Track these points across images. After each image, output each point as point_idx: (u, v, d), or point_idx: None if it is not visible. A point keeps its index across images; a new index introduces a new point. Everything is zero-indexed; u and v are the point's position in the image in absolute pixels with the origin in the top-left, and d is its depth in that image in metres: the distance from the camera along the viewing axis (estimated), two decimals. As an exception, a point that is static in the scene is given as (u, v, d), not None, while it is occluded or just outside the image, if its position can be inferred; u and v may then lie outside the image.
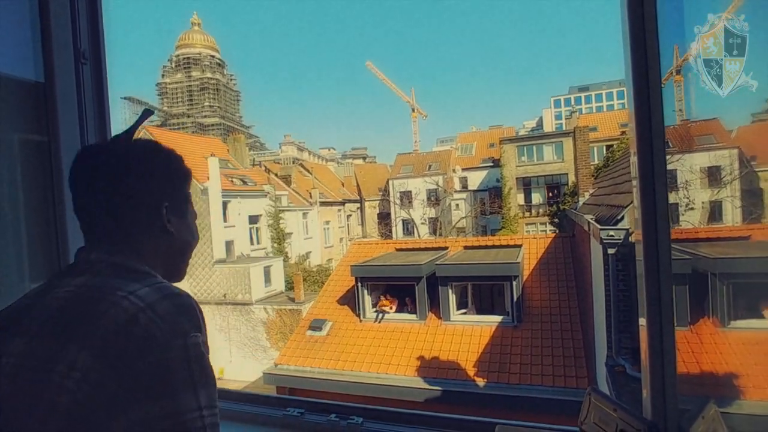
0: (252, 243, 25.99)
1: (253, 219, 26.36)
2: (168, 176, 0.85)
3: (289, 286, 23.02)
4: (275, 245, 27.51)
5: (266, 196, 27.31)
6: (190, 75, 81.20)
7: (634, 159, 1.03)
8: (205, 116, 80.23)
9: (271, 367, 10.39)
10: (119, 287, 0.70)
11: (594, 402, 1.11)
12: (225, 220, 23.40)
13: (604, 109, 69.66)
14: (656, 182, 1.00)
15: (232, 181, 25.34)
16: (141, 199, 0.80)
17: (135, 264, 0.77)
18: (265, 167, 36.08)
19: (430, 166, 38.10)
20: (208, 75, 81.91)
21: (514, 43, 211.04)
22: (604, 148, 24.22)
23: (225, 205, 23.59)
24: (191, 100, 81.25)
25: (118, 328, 0.65)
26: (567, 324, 9.25)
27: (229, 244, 23.39)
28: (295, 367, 9.90)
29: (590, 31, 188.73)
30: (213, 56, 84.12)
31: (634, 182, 1.04)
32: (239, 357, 20.68)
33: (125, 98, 59.36)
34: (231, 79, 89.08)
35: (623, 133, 24.47)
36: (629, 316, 6.00)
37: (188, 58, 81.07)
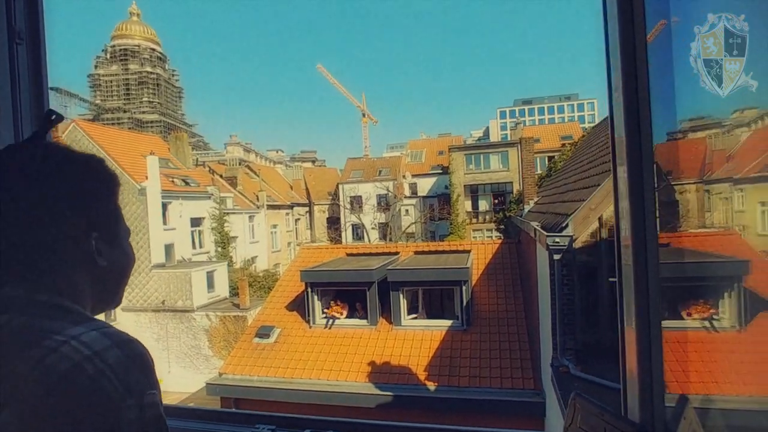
0: (194, 247, 24.76)
1: (196, 222, 25.13)
2: (93, 193, 0.70)
3: (234, 291, 22.12)
4: (219, 249, 26.38)
5: (210, 197, 26.15)
6: (128, 68, 76.53)
7: (622, 163, 1.02)
8: (144, 112, 75.91)
9: (214, 377, 9.88)
10: (55, 330, 0.56)
11: (579, 407, 1.10)
12: (165, 223, 22.12)
13: (546, 122, 73.89)
14: (645, 188, 1.00)
15: (173, 181, 24.02)
16: (63, 230, 0.65)
17: (65, 302, 0.63)
18: (210, 168, 34.59)
19: (380, 172, 38.33)
20: (148, 69, 77.63)
21: (463, 54, 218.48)
22: (546, 158, 25.59)
23: (165, 206, 22.31)
24: (128, 94, 76.53)
25: (58, 379, 0.52)
26: (513, 327, 9.57)
27: (168, 248, 22.12)
28: (241, 376, 9.47)
29: (536, 46, 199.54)
30: (153, 50, 79.85)
31: (622, 186, 1.04)
32: (179, 367, 19.55)
33: (52, 89, 54.69)
34: (173, 75, 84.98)
35: (563, 145, 25.99)
36: (573, 319, 6.29)
37: (125, 49, 76.36)
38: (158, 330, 19.92)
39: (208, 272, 21.20)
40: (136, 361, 0.59)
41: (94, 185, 0.70)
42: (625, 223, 1.02)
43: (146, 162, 21.45)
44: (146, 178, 21.19)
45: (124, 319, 19.99)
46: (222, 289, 21.99)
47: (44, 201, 0.64)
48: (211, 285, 21.23)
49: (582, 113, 78.86)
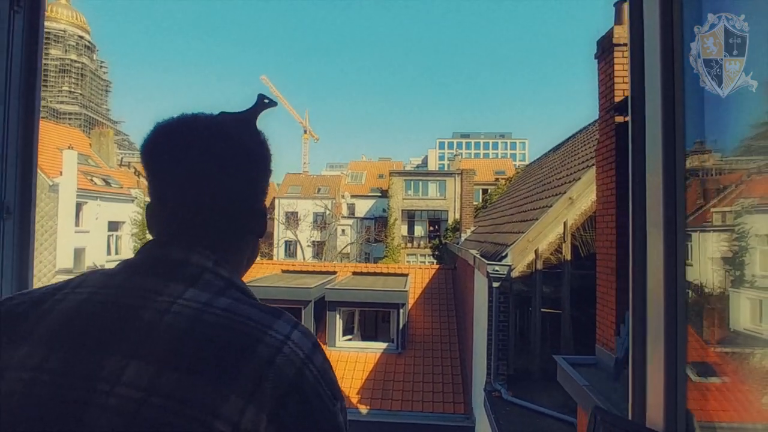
0: (109, 252, 22.65)
1: (114, 225, 23.08)
2: (268, 167, 0.70)
3: (152, 304, 20.42)
4: (138, 257, 24.35)
5: (133, 201, 24.22)
6: (48, 53, 70.03)
7: (657, 169, 0.99)
8: (62, 102, 69.51)
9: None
10: (264, 323, 0.54)
11: (601, 421, 1.11)
12: (77, 224, 20.06)
13: (482, 156, 78.14)
14: (677, 197, 0.98)
15: (92, 180, 21.98)
16: (247, 195, 0.66)
17: (239, 281, 0.61)
18: (135, 169, 32.14)
19: (319, 189, 37.97)
20: (72, 57, 71.63)
21: (408, 83, 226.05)
22: (481, 191, 26.95)
23: (80, 206, 20.30)
24: (46, 81, 69.82)
25: (289, 386, 0.50)
26: (447, 351, 9.75)
27: (78, 252, 20.04)
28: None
29: (476, 84, 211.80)
30: (81, 37, 74.03)
31: (654, 191, 1.02)
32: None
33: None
34: (101, 66, 79.04)
35: (497, 179, 27.57)
36: (507, 345, 6.55)
37: (48, 32, 70.04)
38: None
39: (123, 282, 19.41)
40: (327, 362, 0.57)
41: (269, 156, 0.70)
42: (655, 230, 1.00)
43: (62, 156, 19.48)
44: (60, 173, 19.20)
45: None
46: (138, 300, 20.20)
47: (252, 171, 0.66)
48: (125, 296, 19.42)
49: (514, 151, 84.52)
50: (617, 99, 4.02)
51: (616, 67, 4.07)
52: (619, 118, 3.99)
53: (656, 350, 0.98)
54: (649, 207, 1.03)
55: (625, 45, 4.07)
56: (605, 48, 4.23)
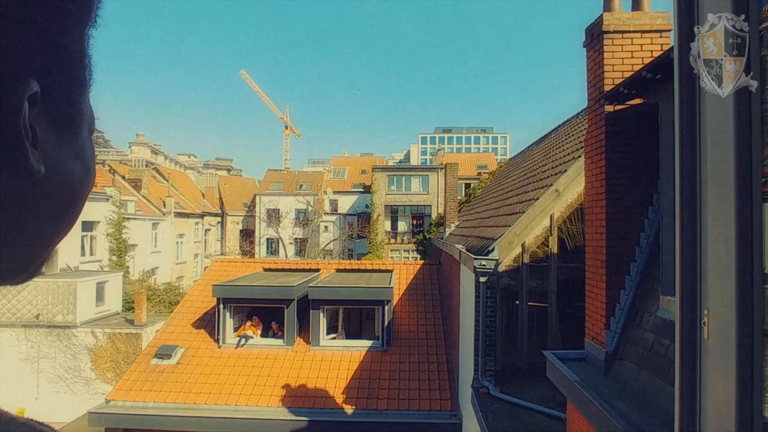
0: (83, 254, 21.91)
1: (88, 226, 22.32)
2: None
3: (129, 306, 19.81)
4: (114, 258, 23.64)
5: (108, 200, 23.45)
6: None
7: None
8: (32, 98, 66.93)
9: (100, 404, 8.57)
10: None
11: None
12: (48, 224, 19.26)
13: (464, 151, 78.51)
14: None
15: (63, 178, 21.16)
16: None
17: None
18: (110, 167, 31.19)
19: (301, 186, 37.50)
20: (42, 51, 68.96)
21: (390, 78, 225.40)
22: (464, 185, 26.94)
23: (51, 205, 19.49)
24: (14, 76, 67.13)
25: None
26: (432, 348, 9.65)
27: (51, 254, 19.22)
28: (133, 402, 8.33)
29: (457, 80, 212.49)
30: (51, 30, 71.38)
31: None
32: (50, 392, 16.81)
33: None
34: (73, 61, 76.38)
35: (480, 173, 27.60)
36: (494, 340, 6.46)
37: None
38: (27, 349, 17.04)
39: (98, 283, 18.76)
40: None
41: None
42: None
43: (31, 153, 18.67)
44: (29, 171, 18.41)
45: (-18, 336, 16.86)
46: (114, 302, 19.57)
47: None
48: (100, 298, 18.78)
49: (496, 145, 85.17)
50: (607, 88, 3.92)
51: (605, 54, 3.96)
52: (609, 107, 3.89)
53: (723, 351, 0.82)
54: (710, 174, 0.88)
55: (615, 32, 3.97)
56: (594, 35, 4.12)
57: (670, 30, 3.99)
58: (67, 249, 20.51)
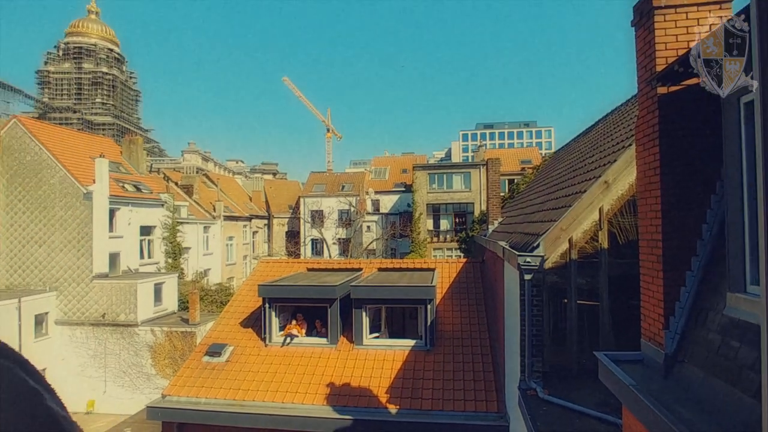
0: (142, 257, 23.25)
1: (146, 230, 23.67)
2: None
3: (184, 306, 20.84)
4: (170, 260, 24.93)
5: (163, 205, 24.77)
6: (81, 66, 72.91)
7: None
8: (96, 113, 72.23)
9: (157, 399, 9.04)
10: None
11: None
12: (111, 230, 20.64)
13: (506, 146, 76.60)
14: None
15: (123, 186, 22.58)
16: None
17: None
18: (165, 175, 32.98)
19: (343, 187, 37.97)
20: (104, 69, 74.23)
21: (430, 77, 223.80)
22: (507, 181, 26.22)
23: (113, 212, 20.86)
24: (80, 94, 72.74)
25: None
26: (477, 348, 9.41)
27: (114, 257, 20.61)
28: (186, 398, 8.71)
29: (500, 75, 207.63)
30: (111, 50, 76.64)
31: None
32: (116, 387, 18.01)
33: (-5, 83, 50.94)
34: (130, 77, 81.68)
35: (523, 169, 26.77)
36: (541, 340, 6.17)
37: (80, 47, 72.85)
38: (95, 346, 18.35)
39: (156, 284, 19.88)
40: None
41: None
42: None
43: (94, 165, 20.06)
44: (93, 181, 19.78)
45: (57, 333, 18.31)
46: (170, 302, 20.67)
47: None
48: (158, 298, 19.90)
49: (540, 140, 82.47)
50: (659, 68, 3.61)
51: (657, 32, 3.65)
52: (662, 89, 3.58)
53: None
54: None
55: (667, 7, 3.65)
56: (644, 12, 3.81)
57: (731, 0, 3.62)
58: (129, 253, 21.86)
